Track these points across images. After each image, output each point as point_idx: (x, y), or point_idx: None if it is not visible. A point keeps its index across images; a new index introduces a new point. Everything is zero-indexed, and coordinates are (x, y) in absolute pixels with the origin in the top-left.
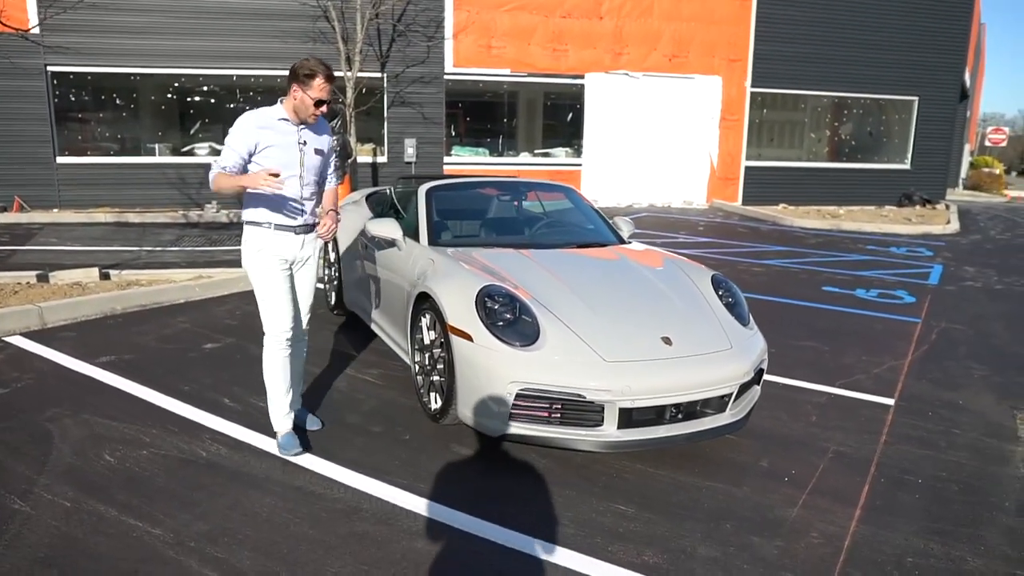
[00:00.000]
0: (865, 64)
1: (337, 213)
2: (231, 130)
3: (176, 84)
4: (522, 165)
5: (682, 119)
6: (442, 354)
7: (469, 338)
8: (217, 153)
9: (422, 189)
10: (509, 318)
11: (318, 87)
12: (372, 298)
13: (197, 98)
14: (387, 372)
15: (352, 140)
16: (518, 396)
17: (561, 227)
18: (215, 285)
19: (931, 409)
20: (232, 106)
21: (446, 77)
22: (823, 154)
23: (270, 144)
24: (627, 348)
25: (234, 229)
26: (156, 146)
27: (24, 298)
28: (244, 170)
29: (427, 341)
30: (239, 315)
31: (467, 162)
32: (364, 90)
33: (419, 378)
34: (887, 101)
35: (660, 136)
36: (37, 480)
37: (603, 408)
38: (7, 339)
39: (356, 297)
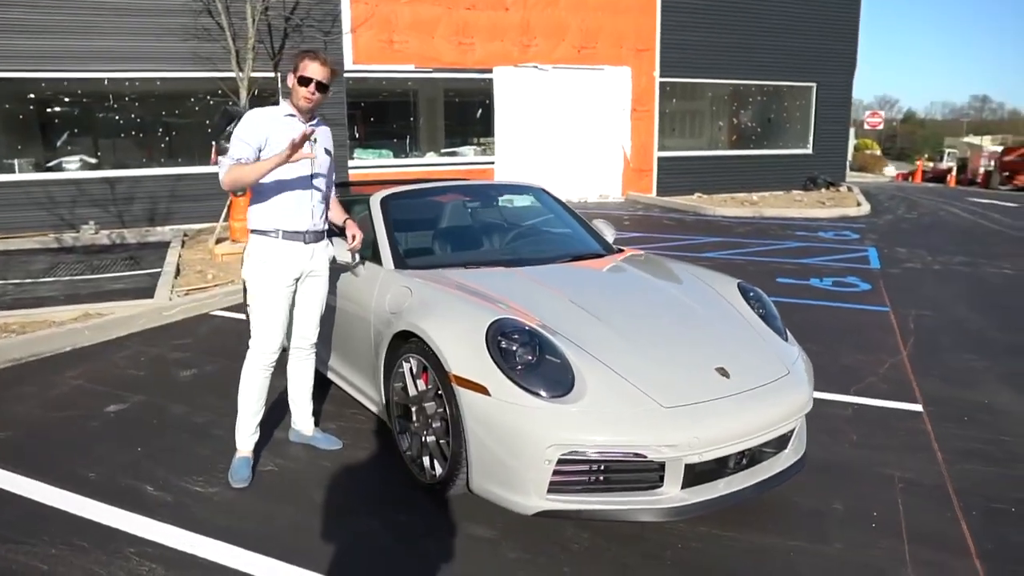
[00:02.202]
0: (766, 51)
1: (355, 220)
2: (239, 126)
3: (36, 90)
4: (429, 166)
5: (594, 111)
6: (439, 410)
7: (484, 391)
8: (92, 166)
9: (375, 200)
10: (531, 360)
11: (303, 67)
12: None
13: (61, 106)
14: (350, 425)
15: None
16: (560, 462)
17: (544, 236)
18: (109, 325)
19: (964, 414)
20: (103, 115)
21: (346, 75)
22: (731, 142)
23: (280, 139)
24: (684, 388)
25: (118, 251)
26: (15, 162)
27: None
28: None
29: (413, 393)
30: (145, 361)
31: (371, 165)
32: (257, 92)
33: (404, 439)
34: (788, 88)
35: (573, 130)
36: None
37: (663, 466)
38: None
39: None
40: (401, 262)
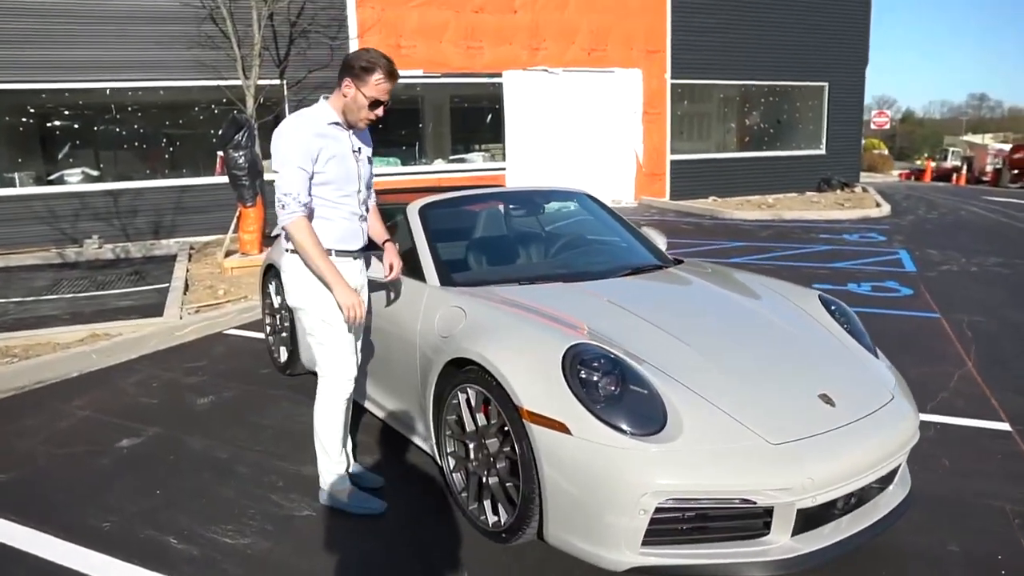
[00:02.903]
0: (778, 50)
1: (394, 243)
2: (281, 144)
3: (36, 102)
4: (437, 173)
5: (605, 115)
6: (505, 449)
7: (564, 429)
8: (95, 179)
9: (413, 209)
10: (615, 392)
11: (376, 84)
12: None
13: (62, 118)
14: (391, 460)
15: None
16: (657, 511)
17: (597, 247)
18: (117, 348)
19: None
20: (105, 126)
21: None
22: (743, 144)
23: (331, 155)
24: (790, 421)
25: (123, 266)
26: (16, 175)
27: None
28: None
29: (471, 428)
30: (158, 387)
31: (379, 174)
32: (262, 100)
33: (457, 478)
34: (800, 88)
35: (584, 134)
36: None
37: (770, 511)
38: None
39: None
40: (447, 278)
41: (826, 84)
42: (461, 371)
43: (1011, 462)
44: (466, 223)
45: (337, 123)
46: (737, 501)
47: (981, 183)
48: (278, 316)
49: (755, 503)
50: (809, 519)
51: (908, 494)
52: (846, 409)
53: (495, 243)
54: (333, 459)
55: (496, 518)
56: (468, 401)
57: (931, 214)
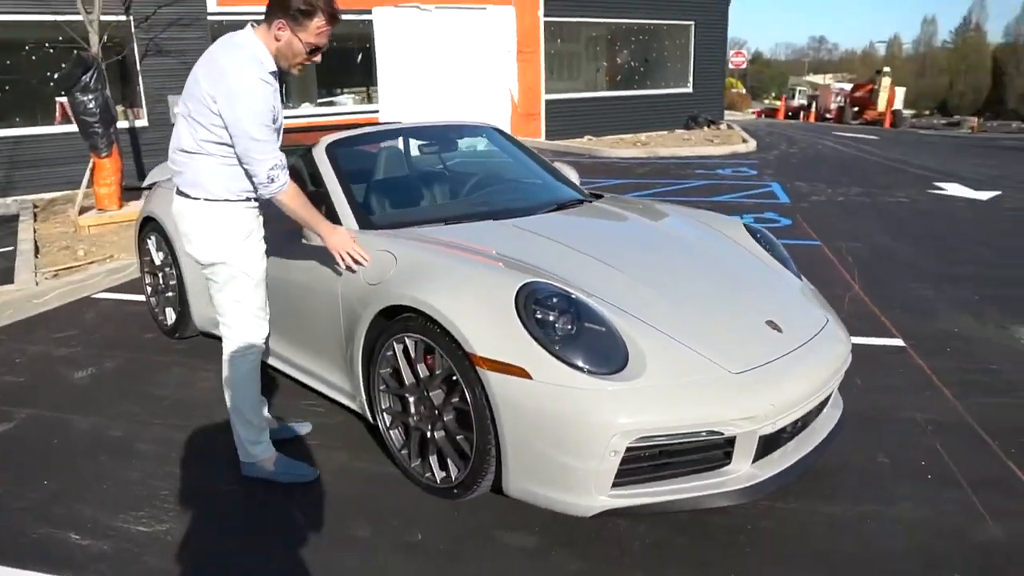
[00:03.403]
0: None
1: None
2: (248, 98)
3: None
4: (305, 117)
5: (479, 54)
6: (453, 400)
7: (523, 374)
8: None
9: (320, 149)
10: (571, 331)
11: (317, 30)
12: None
13: None
14: (311, 420)
15: None
16: (628, 450)
17: (517, 183)
18: None
19: (943, 345)
20: None
21: (210, 18)
22: (614, 83)
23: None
24: (745, 349)
25: None
26: None
27: None
28: None
29: (410, 381)
30: (24, 363)
31: None
32: (106, 38)
33: (393, 433)
34: (667, 27)
35: (458, 73)
36: None
37: (731, 441)
38: None
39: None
40: (366, 221)
41: (692, 23)
42: (396, 320)
43: (913, 376)
44: (378, 162)
45: (274, 72)
46: (704, 433)
47: (825, 120)
48: (160, 275)
49: (722, 434)
50: (766, 446)
51: (841, 414)
52: (791, 335)
53: (412, 182)
54: (255, 426)
55: (444, 473)
56: (406, 351)
57: (792, 149)
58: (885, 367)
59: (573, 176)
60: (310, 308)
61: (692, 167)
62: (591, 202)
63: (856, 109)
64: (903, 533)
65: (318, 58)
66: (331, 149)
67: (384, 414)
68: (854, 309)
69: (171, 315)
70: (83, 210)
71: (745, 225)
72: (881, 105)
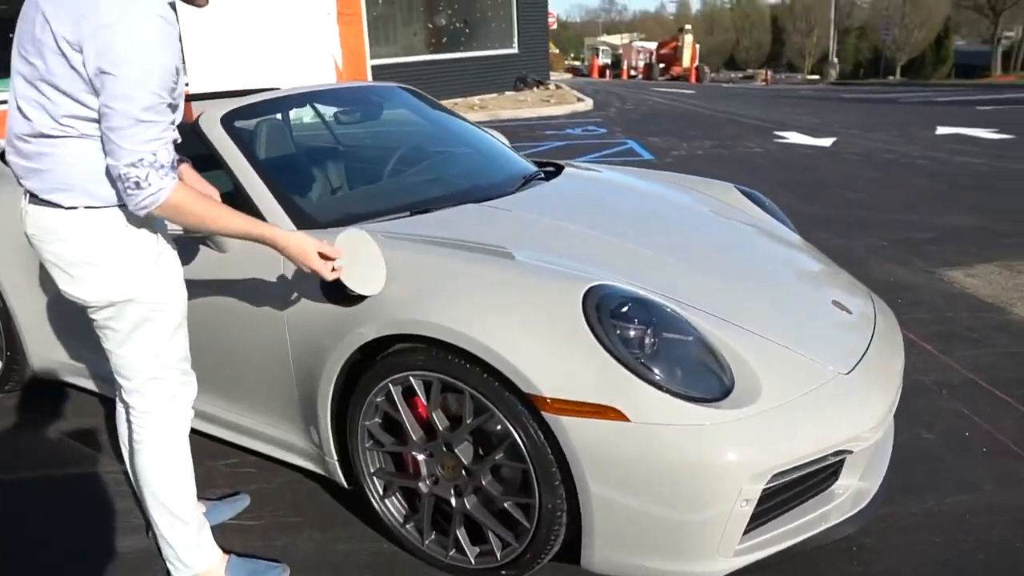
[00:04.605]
0: None
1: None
2: (138, 48)
3: None
4: None
5: (297, 18)
6: (496, 455)
7: (616, 415)
8: None
9: (212, 123)
10: (654, 346)
11: None
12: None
13: None
14: (259, 488)
15: None
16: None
17: (468, 156)
18: None
19: (894, 296)
20: None
21: None
22: (441, 46)
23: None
24: (837, 341)
25: None
26: None
27: None
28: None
29: (417, 435)
30: None
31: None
32: None
33: (390, 503)
34: None
35: (276, 39)
36: None
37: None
38: None
39: (75, 353)
40: (304, 218)
41: None
42: (390, 355)
43: None
44: (288, 137)
45: (174, 4)
46: (831, 456)
47: (633, 77)
48: None
49: (851, 451)
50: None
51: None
52: (860, 314)
53: (344, 161)
54: (192, 523)
55: (479, 550)
56: (408, 395)
57: (627, 106)
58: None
59: (504, 140)
60: (239, 342)
61: (540, 128)
62: (555, 174)
63: (662, 66)
64: (1011, 523)
65: None
66: (229, 122)
67: (374, 479)
68: None
69: None
70: None
71: (738, 188)
72: (686, 61)
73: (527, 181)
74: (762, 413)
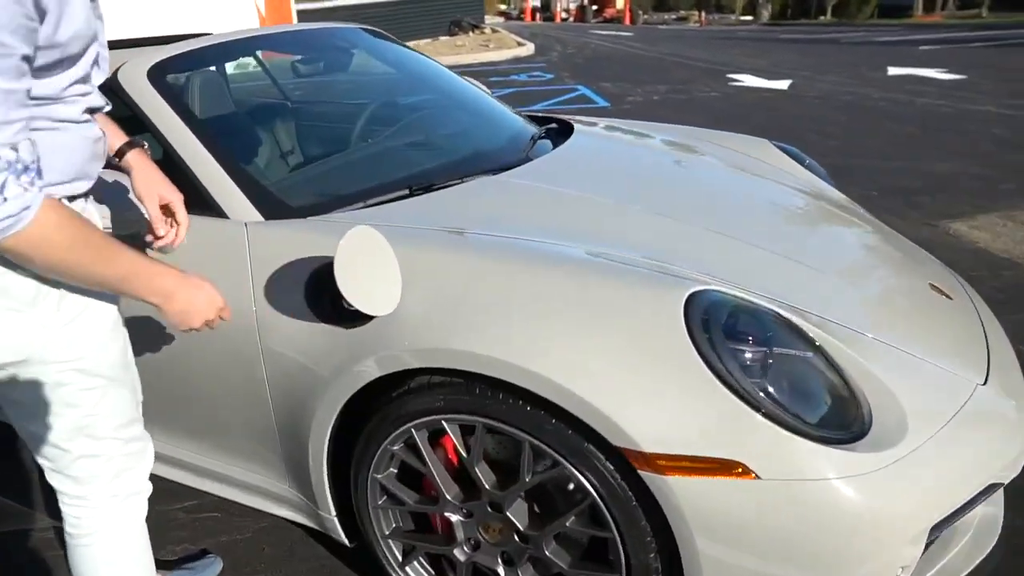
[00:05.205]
0: None
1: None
2: None
3: None
4: None
5: None
6: (567, 520)
7: (741, 471)
8: None
9: (137, 77)
10: (770, 369)
11: None
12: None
13: None
14: (231, 541)
15: None
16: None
17: (454, 112)
18: None
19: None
20: None
21: None
22: None
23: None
24: (959, 341)
25: None
26: None
27: None
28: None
29: (452, 492)
30: None
31: None
32: None
33: (411, 570)
34: None
35: None
36: None
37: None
38: None
39: None
40: (275, 205)
41: None
42: (409, 392)
43: None
44: (229, 95)
45: None
46: (983, 493)
47: (565, 20)
48: None
49: (1002, 484)
50: None
51: None
52: (958, 297)
53: (304, 122)
54: None
55: None
56: (425, 444)
57: (569, 50)
58: None
59: (487, 91)
60: (202, 375)
61: (483, 75)
62: (567, 133)
63: (596, 8)
64: None
65: None
66: (159, 76)
67: (389, 542)
68: None
69: None
70: None
71: (776, 145)
72: (619, 2)
73: (533, 143)
74: (913, 453)
